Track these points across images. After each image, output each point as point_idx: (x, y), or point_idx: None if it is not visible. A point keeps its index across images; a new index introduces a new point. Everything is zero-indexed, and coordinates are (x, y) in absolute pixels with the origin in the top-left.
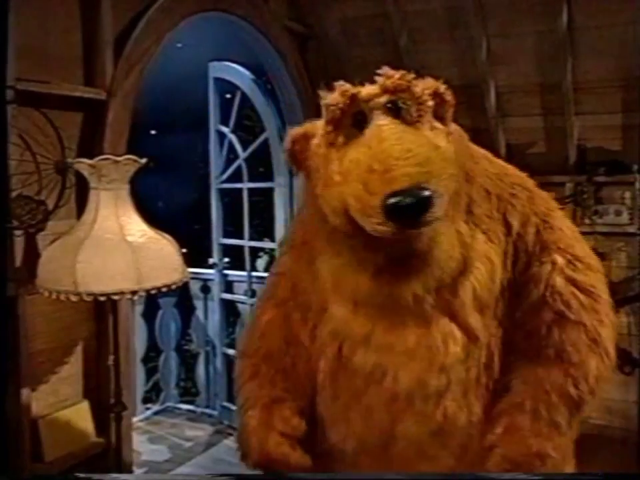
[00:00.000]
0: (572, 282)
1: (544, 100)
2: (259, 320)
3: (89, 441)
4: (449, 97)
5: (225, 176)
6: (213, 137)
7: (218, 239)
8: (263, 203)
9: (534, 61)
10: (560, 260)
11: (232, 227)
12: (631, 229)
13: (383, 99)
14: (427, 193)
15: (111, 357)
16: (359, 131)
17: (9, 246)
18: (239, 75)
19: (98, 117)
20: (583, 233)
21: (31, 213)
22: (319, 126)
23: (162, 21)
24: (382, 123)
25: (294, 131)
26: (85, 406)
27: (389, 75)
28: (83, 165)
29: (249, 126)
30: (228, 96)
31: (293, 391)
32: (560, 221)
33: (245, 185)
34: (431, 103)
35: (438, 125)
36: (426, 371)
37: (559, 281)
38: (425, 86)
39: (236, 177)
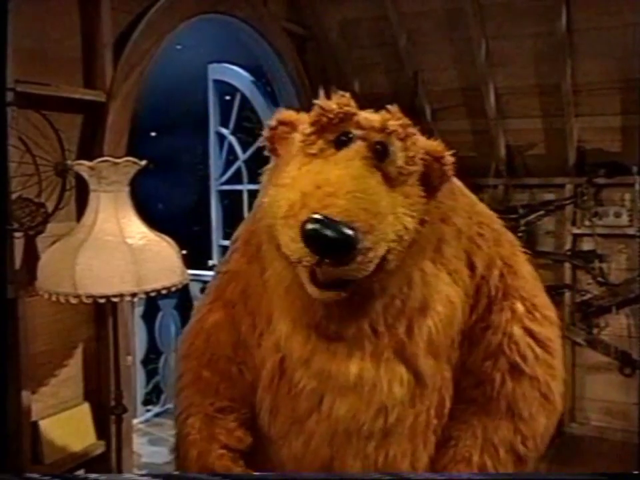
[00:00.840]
0: (529, 333)
1: (543, 102)
2: (204, 320)
3: (89, 443)
4: (450, 170)
5: (224, 178)
6: (212, 138)
7: (218, 240)
8: None
9: (533, 62)
10: (520, 308)
11: (232, 229)
12: (631, 231)
13: (377, 136)
14: (350, 232)
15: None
16: (336, 149)
17: (8, 248)
18: (238, 76)
19: (98, 118)
20: (583, 235)
21: (31, 215)
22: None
23: (161, 22)
24: (359, 154)
25: (283, 113)
26: (85, 408)
27: (396, 116)
28: (83, 167)
29: (248, 127)
30: (227, 98)
31: (240, 400)
32: (523, 266)
33: (245, 187)
34: (415, 168)
35: (417, 195)
36: (363, 408)
37: (516, 331)
38: (427, 146)
39: (236, 178)
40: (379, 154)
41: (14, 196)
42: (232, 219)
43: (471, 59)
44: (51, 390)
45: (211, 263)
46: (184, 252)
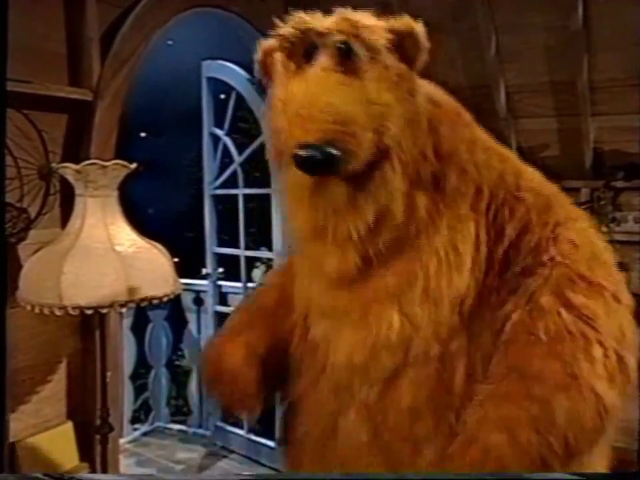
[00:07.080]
0: (565, 303)
1: (558, 100)
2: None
3: (72, 465)
4: (423, 40)
5: (219, 181)
6: (206, 140)
7: (212, 247)
8: (259, 209)
9: (546, 58)
10: (554, 274)
11: (227, 236)
12: None
13: (336, 37)
14: (334, 151)
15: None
16: (307, 62)
17: None
18: (233, 74)
19: (84, 119)
20: None
21: (12, 221)
22: None
23: (152, 16)
24: (321, 64)
25: (265, 43)
26: (68, 427)
27: (345, 17)
28: (69, 170)
29: (244, 128)
30: (222, 96)
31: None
32: (576, 232)
33: (241, 191)
34: (383, 42)
35: (397, 67)
36: (359, 345)
37: (545, 299)
38: (394, 26)
39: (231, 182)
40: (344, 53)
41: None
42: (227, 224)
43: (479, 54)
44: (32, 408)
45: (204, 271)
46: (176, 260)
